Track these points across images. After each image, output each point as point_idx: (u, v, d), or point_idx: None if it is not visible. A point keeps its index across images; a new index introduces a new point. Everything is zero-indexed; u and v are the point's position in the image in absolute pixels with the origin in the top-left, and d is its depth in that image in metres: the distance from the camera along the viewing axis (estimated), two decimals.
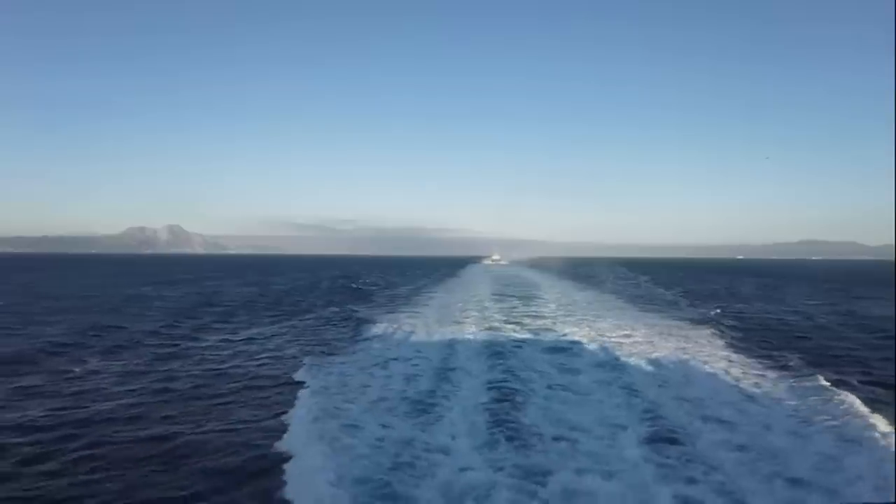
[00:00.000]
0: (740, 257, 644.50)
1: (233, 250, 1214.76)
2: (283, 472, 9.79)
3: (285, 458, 10.32)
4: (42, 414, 13.38)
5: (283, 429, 11.92)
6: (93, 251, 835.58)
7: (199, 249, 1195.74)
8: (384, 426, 11.60)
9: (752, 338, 25.47)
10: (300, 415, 12.49)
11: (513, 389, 14.64)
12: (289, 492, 9.09)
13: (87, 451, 11.02)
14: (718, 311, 36.45)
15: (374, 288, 59.24)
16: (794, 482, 9.00)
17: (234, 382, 16.76)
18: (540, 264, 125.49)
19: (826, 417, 12.29)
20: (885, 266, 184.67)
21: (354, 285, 64.10)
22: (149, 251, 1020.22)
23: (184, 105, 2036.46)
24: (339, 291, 55.21)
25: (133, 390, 15.77)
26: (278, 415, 13.00)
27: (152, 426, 12.63)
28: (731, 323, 30.22)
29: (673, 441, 10.86)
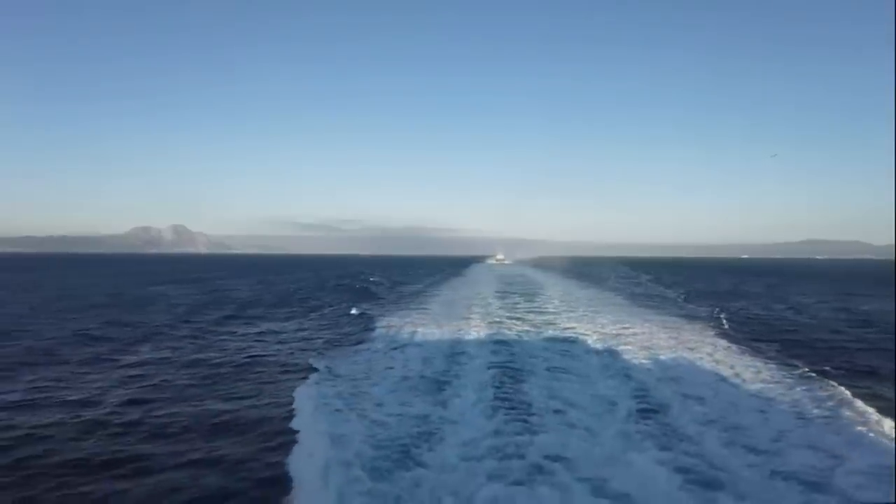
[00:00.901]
0: (744, 256, 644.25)
1: (237, 250, 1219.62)
2: (315, 441, 11.32)
3: (316, 429, 11.86)
4: (94, 393, 15.18)
5: (312, 406, 13.46)
6: (98, 251, 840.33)
7: (204, 249, 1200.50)
8: (403, 403, 13.32)
9: (743, 330, 27.10)
10: (328, 393, 14.18)
11: (516, 369, 16.49)
12: (321, 457, 10.45)
13: (141, 420, 12.77)
14: (713, 307, 37.94)
15: (381, 287, 60.74)
16: (749, 448, 10.66)
17: (264, 367, 18.49)
18: (544, 264, 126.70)
19: (789, 398, 14.04)
20: (886, 265, 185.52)
21: (361, 284, 65.58)
22: (153, 251, 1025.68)
23: (187, 106, 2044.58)
24: (347, 290, 56.73)
25: (176, 373, 17.60)
26: (308, 393, 14.61)
27: (198, 401, 14.37)
28: (724, 317, 31.79)
29: (655, 414, 12.57)
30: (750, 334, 25.90)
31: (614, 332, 24.60)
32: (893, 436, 10.99)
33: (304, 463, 10.17)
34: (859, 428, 11.71)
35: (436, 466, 9.93)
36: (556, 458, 10.08)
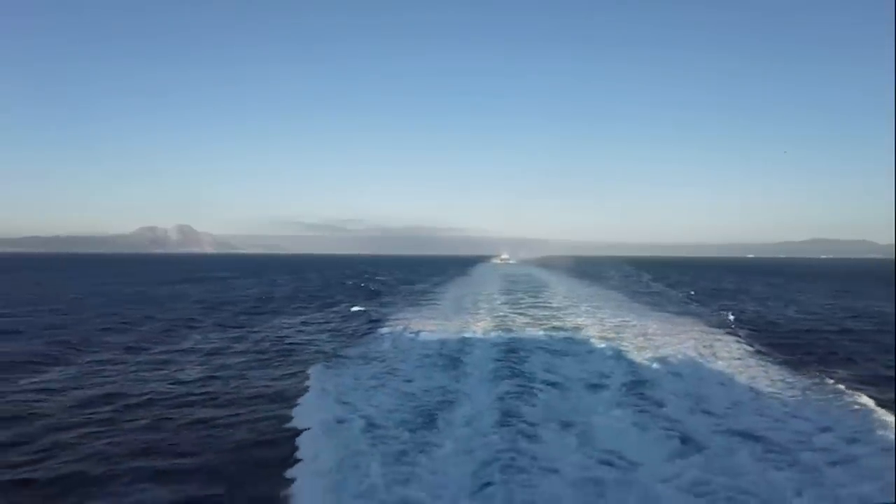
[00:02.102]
0: (750, 256, 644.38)
1: (242, 250, 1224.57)
2: (356, 406, 13.38)
3: (357, 398, 14.05)
4: (151, 371, 17.78)
5: (351, 381, 15.60)
6: (103, 251, 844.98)
7: (209, 249, 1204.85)
8: (425, 378, 15.85)
9: (731, 322, 29.45)
10: (363, 374, 16.47)
11: (519, 350, 19.06)
12: (361, 417, 12.55)
13: (204, 391, 15.14)
14: (709, 303, 40.37)
15: (389, 286, 62.77)
16: (707, 412, 12.91)
17: (301, 352, 20.95)
18: (549, 263, 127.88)
19: (747, 374, 16.48)
20: (889, 264, 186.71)
21: (370, 283, 67.62)
22: (159, 251, 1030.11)
23: (191, 106, 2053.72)
24: (358, 288, 58.80)
25: (227, 355, 20.16)
26: (343, 372, 17.03)
27: (250, 377, 16.85)
28: (715, 311, 34.22)
29: (639, 386, 14.94)
30: (737, 326, 28.22)
31: (612, 323, 27.03)
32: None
33: (347, 421, 12.33)
34: (810, 400, 13.84)
35: (455, 424, 12.21)
36: (550, 418, 12.39)
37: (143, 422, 12.59)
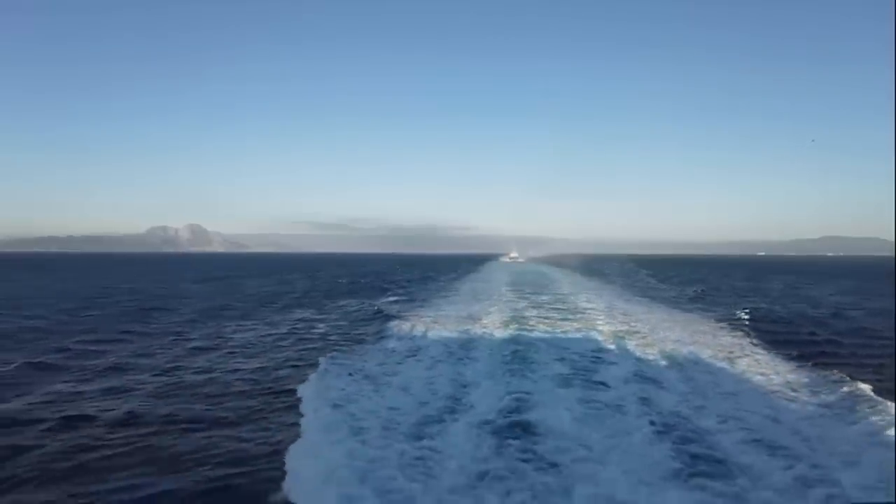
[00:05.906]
0: (761, 254, 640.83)
1: (252, 249, 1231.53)
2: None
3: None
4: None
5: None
6: (117, 250, 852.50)
7: (219, 248, 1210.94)
8: (451, 336, 20.98)
9: (700, 306, 32.63)
10: (378, 369, 17.64)
11: (524, 319, 24.32)
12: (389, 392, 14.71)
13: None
14: (700, 293, 43.84)
15: (406, 282, 65.14)
16: (689, 380, 15.33)
17: (312, 351, 23.68)
18: (557, 261, 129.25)
19: (721, 354, 19.24)
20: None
21: (386, 280, 70.14)
22: (170, 250, 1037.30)
23: (201, 105, 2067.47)
24: (375, 285, 61.06)
25: (264, 346, 23.84)
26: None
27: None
28: (693, 298, 37.24)
29: (623, 345, 19.22)
30: (709, 311, 31.61)
31: (609, 309, 30.71)
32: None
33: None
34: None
35: (477, 358, 17.28)
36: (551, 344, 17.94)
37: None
